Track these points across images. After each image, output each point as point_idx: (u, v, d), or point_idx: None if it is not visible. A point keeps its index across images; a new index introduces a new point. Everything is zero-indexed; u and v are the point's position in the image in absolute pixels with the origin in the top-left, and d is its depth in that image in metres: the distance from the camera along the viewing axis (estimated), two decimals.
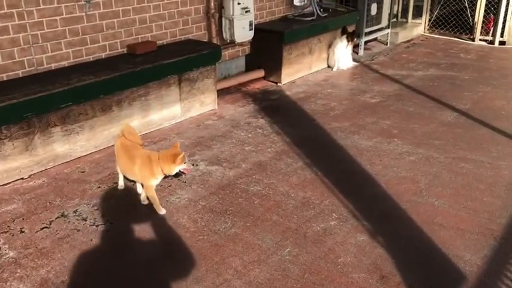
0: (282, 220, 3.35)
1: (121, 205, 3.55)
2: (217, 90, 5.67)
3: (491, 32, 8.82)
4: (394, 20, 9.62)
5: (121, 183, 3.69)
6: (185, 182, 3.86)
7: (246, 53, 6.46)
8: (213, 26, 5.70)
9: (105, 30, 4.69)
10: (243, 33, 5.79)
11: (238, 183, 3.84)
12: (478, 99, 5.84)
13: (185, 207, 3.54)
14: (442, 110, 5.49)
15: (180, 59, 4.76)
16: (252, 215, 3.41)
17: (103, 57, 4.74)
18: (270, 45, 6.24)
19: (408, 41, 8.98)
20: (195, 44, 5.30)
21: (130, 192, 3.71)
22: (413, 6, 9.65)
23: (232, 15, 5.63)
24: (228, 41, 5.87)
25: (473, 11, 8.96)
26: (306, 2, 6.94)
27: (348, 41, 6.89)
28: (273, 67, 6.33)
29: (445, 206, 3.55)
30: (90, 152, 4.26)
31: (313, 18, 6.71)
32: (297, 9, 6.98)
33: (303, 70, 6.70)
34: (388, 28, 8.49)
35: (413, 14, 9.71)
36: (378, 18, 8.11)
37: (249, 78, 6.32)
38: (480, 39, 8.92)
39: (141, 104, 4.56)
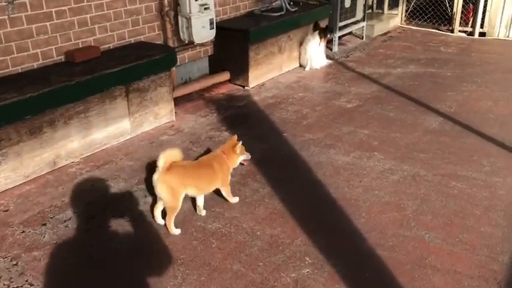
0: (245, 270, 2.76)
1: (47, 258, 2.89)
2: (176, 98, 5.03)
3: (470, 23, 8.35)
4: (370, 11, 9.08)
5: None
6: (128, 221, 3.23)
7: (209, 54, 5.80)
8: (168, 26, 5.03)
9: (35, 35, 3.98)
10: (202, 32, 5.14)
11: (194, 220, 3.23)
12: (463, 100, 5.33)
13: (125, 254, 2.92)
14: (425, 114, 4.96)
15: (126, 67, 4.09)
16: (208, 264, 2.80)
17: (35, 67, 4.03)
18: (235, 44, 5.61)
19: (385, 34, 8.45)
20: (146, 48, 4.63)
21: (61, 239, 3.06)
22: None
23: (190, 13, 4.96)
24: (187, 41, 5.20)
25: (451, 0, 8.47)
26: None
27: (321, 38, 6.31)
28: (239, 69, 5.70)
29: (437, 240, 3.01)
30: (18, 183, 3.58)
31: (282, 13, 6.09)
32: (264, 3, 6.35)
33: (273, 71, 6.09)
34: (364, 21, 7.93)
35: (389, 5, 9.18)
36: (352, 10, 7.53)
37: (213, 82, 5.68)
38: (459, 31, 8.45)
39: (80, 122, 3.89)
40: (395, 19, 9.03)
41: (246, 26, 5.52)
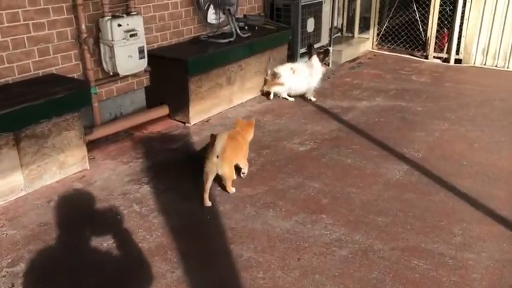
0: None
1: None
2: (99, 139, 4.25)
3: (445, 49, 7.75)
4: (339, 34, 8.45)
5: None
6: None
7: (145, 85, 5.03)
8: (87, 55, 4.25)
9: None
10: (129, 63, 4.38)
11: None
12: (434, 142, 4.62)
13: None
14: (389, 160, 4.23)
15: (14, 110, 3.28)
16: None
17: None
18: (174, 75, 4.85)
19: (354, 60, 7.79)
20: (54, 83, 3.84)
21: None
22: (360, 18, 8.50)
23: (112, 40, 4.20)
24: (111, 73, 4.43)
25: (425, 24, 7.87)
26: (223, 19, 5.57)
27: (321, 61, 5.81)
28: (179, 103, 4.93)
29: None
30: None
31: (232, 39, 5.36)
32: (212, 28, 5.62)
33: (221, 104, 5.33)
34: (330, 46, 7.25)
35: (360, 28, 8.56)
36: (316, 35, 6.86)
37: (148, 118, 4.90)
38: (434, 57, 7.85)
39: None
40: (366, 43, 8.40)
41: (184, 55, 4.77)
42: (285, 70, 5.68)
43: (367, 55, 8.04)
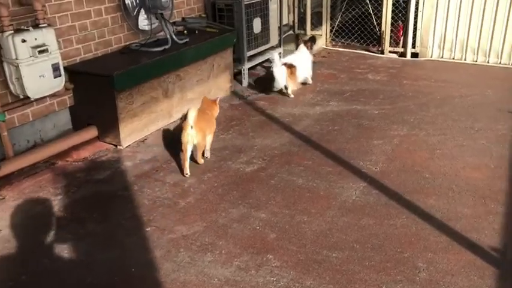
0: None
1: None
2: (12, 174, 3.64)
3: (401, 43, 7.40)
4: (290, 32, 7.99)
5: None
6: None
7: (69, 105, 4.42)
8: None
9: None
10: (41, 84, 3.77)
11: None
12: (393, 151, 4.21)
13: None
14: (344, 177, 3.79)
15: None
16: None
17: None
18: (100, 92, 4.26)
19: None
20: None
21: None
22: (312, 13, 8.06)
23: (17, 59, 3.57)
24: (21, 96, 3.80)
25: (379, 18, 7.50)
26: (156, 24, 4.99)
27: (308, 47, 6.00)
28: (109, 123, 4.35)
29: None
30: None
31: (167, 47, 4.80)
32: (145, 35, 5.03)
33: (159, 120, 4.78)
34: (280, 47, 6.77)
35: (312, 24, 8.13)
36: (264, 36, 6.37)
37: (73, 143, 4.30)
38: (390, 52, 7.49)
39: None
40: (319, 40, 7.95)
41: (110, 69, 4.18)
42: (293, 60, 5.73)
43: (321, 53, 7.61)
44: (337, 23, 7.99)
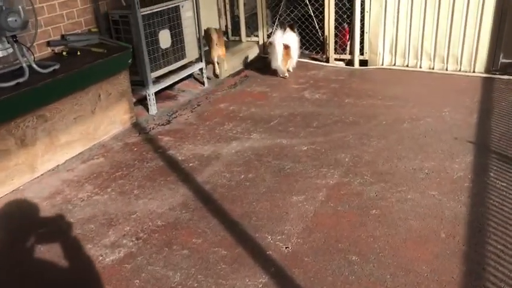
0: None
1: None
2: None
3: (348, 48, 6.36)
4: (225, 39, 6.86)
5: None
6: None
7: None
8: None
9: None
10: None
11: None
12: (315, 215, 3.16)
13: None
14: (240, 268, 2.72)
15: None
16: None
17: None
18: None
19: (240, 72, 6.26)
20: None
21: None
22: (249, 16, 6.96)
23: None
24: None
25: (320, 20, 6.43)
26: (10, 50, 3.79)
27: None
28: None
29: None
30: None
31: (21, 80, 3.62)
32: None
33: (15, 178, 3.64)
34: (201, 61, 5.64)
35: (249, 29, 7.04)
36: (177, 50, 5.23)
37: None
38: (336, 59, 6.46)
39: None
40: (255, 48, 6.86)
41: None
42: (288, 41, 5.79)
43: (254, 64, 6.52)
44: (274, 26, 6.88)
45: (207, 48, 5.88)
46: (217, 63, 5.92)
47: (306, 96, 5.28)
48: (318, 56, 6.60)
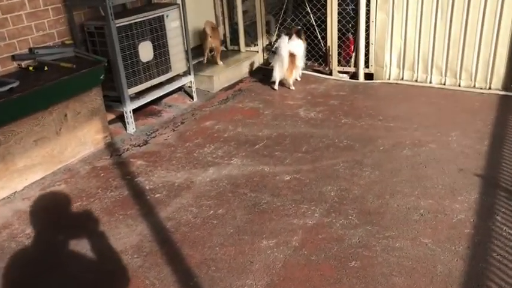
0: None
1: None
2: None
3: (353, 61, 5.87)
4: (223, 49, 6.48)
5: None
6: None
7: None
8: None
9: None
10: None
11: None
12: (284, 266, 2.73)
13: None
14: None
15: None
16: None
17: None
18: None
19: (234, 85, 5.86)
20: None
21: None
22: (251, 24, 6.57)
23: None
24: None
25: (323, 30, 5.96)
26: None
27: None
28: None
29: None
30: None
31: None
32: None
33: None
34: (189, 74, 5.25)
35: (250, 37, 6.63)
36: (161, 63, 4.86)
37: None
38: (340, 72, 5.97)
39: None
40: (255, 58, 6.44)
41: None
42: (293, 49, 5.39)
43: (254, 76, 6.09)
44: (275, 36, 6.45)
45: (198, 60, 5.54)
46: (210, 54, 5.94)
47: (301, 115, 4.82)
48: (321, 68, 6.13)
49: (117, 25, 4.25)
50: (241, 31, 6.45)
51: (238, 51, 6.55)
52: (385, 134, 4.25)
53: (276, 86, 5.52)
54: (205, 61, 5.95)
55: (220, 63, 5.96)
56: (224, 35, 6.64)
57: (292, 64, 5.41)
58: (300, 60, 5.58)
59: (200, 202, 3.38)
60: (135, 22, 4.45)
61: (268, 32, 6.55)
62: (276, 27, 6.48)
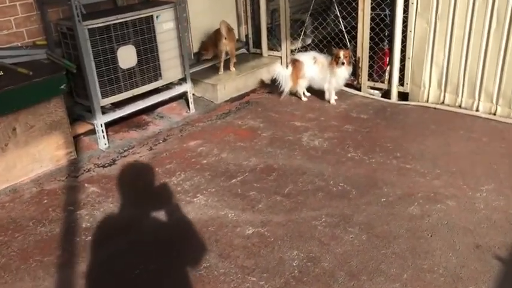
0: None
1: None
2: None
3: (387, 75, 4.93)
4: (243, 51, 5.80)
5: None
6: None
7: None
8: None
9: None
10: None
11: None
12: None
13: None
14: None
15: None
16: None
17: None
18: None
19: (243, 96, 5.14)
20: None
21: None
22: (275, 26, 5.81)
23: None
24: None
25: (353, 38, 5.06)
26: None
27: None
28: None
29: None
30: None
31: None
32: None
33: None
34: (186, 82, 4.62)
35: (275, 38, 5.87)
36: (148, 70, 4.26)
37: None
38: (371, 87, 5.06)
39: None
40: (275, 65, 5.65)
41: None
42: (307, 59, 4.82)
43: (270, 86, 5.33)
44: (300, 41, 5.63)
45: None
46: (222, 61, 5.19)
47: (302, 141, 4.02)
48: (352, 82, 5.23)
49: (90, 27, 3.70)
50: (264, 33, 5.69)
51: (260, 55, 5.80)
52: (396, 179, 3.36)
53: (304, 98, 4.93)
54: (221, 69, 5.18)
55: (233, 69, 5.26)
56: (246, 36, 5.92)
57: (296, 69, 4.81)
58: (311, 71, 4.81)
59: (129, 256, 2.74)
60: (114, 24, 3.86)
61: (305, 33, 5.72)
62: (299, 34, 5.64)
